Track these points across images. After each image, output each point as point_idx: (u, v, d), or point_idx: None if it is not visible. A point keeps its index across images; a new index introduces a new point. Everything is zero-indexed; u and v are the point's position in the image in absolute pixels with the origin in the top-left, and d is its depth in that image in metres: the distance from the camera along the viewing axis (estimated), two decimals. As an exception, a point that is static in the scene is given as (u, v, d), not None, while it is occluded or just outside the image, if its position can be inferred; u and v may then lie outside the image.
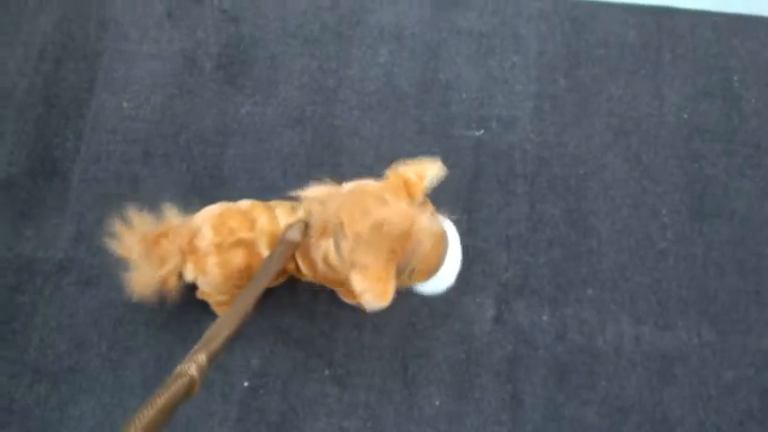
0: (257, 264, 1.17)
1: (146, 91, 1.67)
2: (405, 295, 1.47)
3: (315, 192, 1.15)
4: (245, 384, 1.42)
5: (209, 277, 1.20)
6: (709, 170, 1.60)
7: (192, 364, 0.78)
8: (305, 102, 1.66)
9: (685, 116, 1.65)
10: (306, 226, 1.11)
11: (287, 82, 1.68)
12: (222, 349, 0.84)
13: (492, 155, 1.61)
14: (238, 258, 1.16)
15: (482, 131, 1.63)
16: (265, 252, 1.15)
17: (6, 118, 1.64)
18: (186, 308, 1.44)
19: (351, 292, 1.37)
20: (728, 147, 1.62)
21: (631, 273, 1.52)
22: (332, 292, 1.41)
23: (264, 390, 1.42)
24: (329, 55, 1.71)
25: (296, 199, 1.17)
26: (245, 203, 1.23)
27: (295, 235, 1.09)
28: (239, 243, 1.16)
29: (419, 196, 1.08)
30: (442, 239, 1.09)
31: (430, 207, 1.14)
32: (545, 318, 1.48)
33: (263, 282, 0.99)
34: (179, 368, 0.77)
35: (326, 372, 1.43)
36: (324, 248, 1.07)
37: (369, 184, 1.11)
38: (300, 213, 1.15)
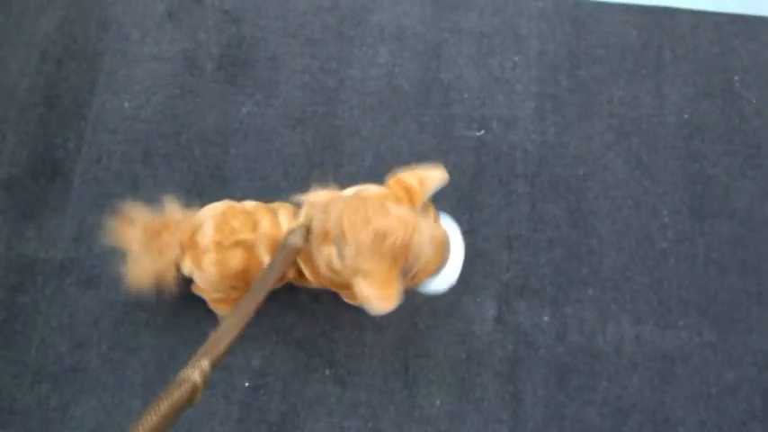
0: (255, 266, 1.17)
1: (147, 91, 1.67)
2: (406, 295, 1.48)
3: (316, 197, 1.15)
4: (246, 384, 1.42)
5: (205, 274, 1.19)
6: (709, 170, 1.60)
7: (196, 370, 0.77)
8: (306, 102, 1.66)
9: (686, 116, 1.65)
10: (307, 231, 1.11)
11: (288, 82, 1.68)
12: (225, 355, 0.84)
13: (493, 155, 1.61)
14: (236, 259, 1.16)
15: (483, 132, 1.64)
16: (264, 255, 1.15)
17: (8, 118, 1.64)
18: (187, 308, 1.44)
19: (351, 295, 1.37)
20: (729, 147, 1.62)
21: (632, 273, 1.52)
22: (333, 292, 1.41)
23: (265, 390, 1.42)
24: (330, 55, 1.71)
25: (298, 203, 1.17)
26: (249, 204, 1.23)
27: (297, 240, 1.09)
28: (239, 244, 1.15)
29: (420, 203, 1.09)
30: (444, 244, 1.09)
31: (432, 211, 1.14)
32: (546, 318, 1.48)
33: (266, 287, 0.98)
34: (182, 374, 0.77)
35: (327, 372, 1.43)
36: (326, 254, 1.07)
37: (369, 190, 1.11)
38: (302, 218, 1.15)
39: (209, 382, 0.79)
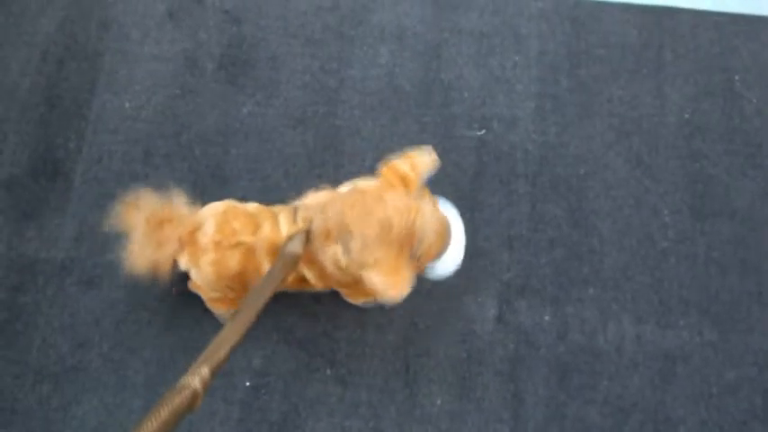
0: (252, 269, 1.16)
1: (147, 91, 1.67)
2: (407, 294, 1.48)
3: (311, 200, 1.15)
4: (247, 384, 1.42)
5: (202, 272, 1.19)
6: (710, 170, 1.60)
7: (196, 377, 0.78)
8: (306, 102, 1.66)
9: (686, 116, 1.65)
10: (307, 236, 1.10)
11: (288, 82, 1.68)
12: (225, 362, 0.84)
13: (493, 155, 1.61)
14: (234, 260, 1.16)
15: (483, 131, 1.64)
16: (264, 259, 1.15)
17: (9, 118, 1.64)
18: (188, 308, 1.44)
19: (357, 293, 1.37)
20: (730, 146, 1.62)
21: (633, 272, 1.52)
22: (334, 292, 1.41)
23: (266, 389, 1.42)
24: (331, 55, 1.71)
25: (295, 208, 1.17)
26: (252, 206, 1.22)
27: (296, 248, 1.08)
28: (239, 245, 1.15)
29: (416, 189, 1.09)
30: (445, 227, 1.10)
31: (428, 194, 1.14)
32: (547, 317, 1.48)
33: (266, 294, 0.98)
34: (182, 381, 0.77)
35: (328, 371, 1.43)
36: (331, 253, 1.07)
37: (365, 183, 1.11)
38: (300, 223, 1.14)
39: (209, 387, 0.79)
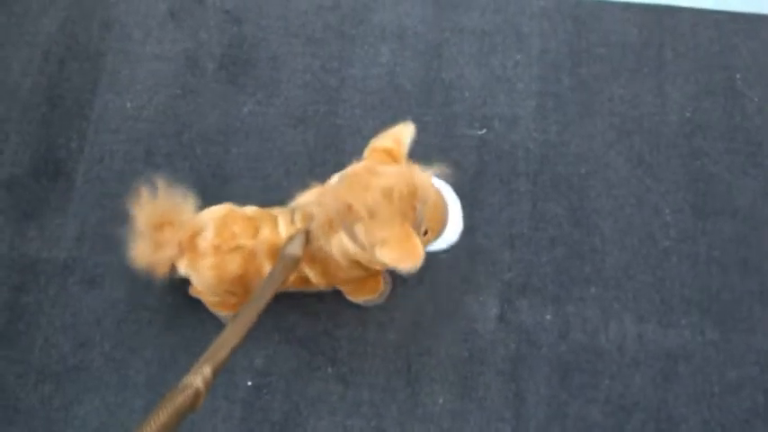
0: (252, 272, 1.16)
1: (149, 91, 1.67)
2: (408, 293, 1.48)
3: (306, 198, 1.15)
4: (249, 383, 1.42)
5: (201, 277, 1.19)
6: (711, 168, 1.60)
7: (198, 377, 0.78)
8: (307, 101, 1.66)
9: (688, 114, 1.65)
10: (306, 236, 1.10)
11: (289, 81, 1.68)
12: (227, 361, 0.85)
13: (494, 154, 1.61)
14: (235, 264, 1.16)
15: (485, 130, 1.64)
16: (264, 262, 1.15)
17: (10, 118, 1.65)
18: (189, 307, 1.45)
19: (360, 289, 1.38)
20: (731, 145, 1.62)
21: (634, 271, 1.52)
22: (336, 291, 1.41)
23: (268, 389, 1.42)
24: (331, 54, 1.71)
25: (291, 210, 1.17)
26: (250, 210, 1.22)
27: (296, 249, 1.08)
28: (238, 249, 1.15)
29: (402, 158, 1.10)
30: (441, 194, 1.10)
31: (416, 165, 1.15)
32: (548, 316, 1.48)
33: (267, 296, 0.99)
34: (184, 380, 0.78)
35: (330, 370, 1.43)
36: (337, 243, 1.07)
37: (355, 166, 1.11)
38: (298, 223, 1.14)
39: (211, 387, 0.79)
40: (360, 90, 1.67)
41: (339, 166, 1.59)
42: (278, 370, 1.43)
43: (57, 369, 1.44)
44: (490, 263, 1.52)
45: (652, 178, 1.59)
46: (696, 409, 1.41)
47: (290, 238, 1.10)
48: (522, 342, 1.46)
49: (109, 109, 1.65)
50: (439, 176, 1.15)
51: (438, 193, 1.09)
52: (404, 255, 1.00)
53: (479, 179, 1.59)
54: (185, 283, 1.31)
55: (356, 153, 1.60)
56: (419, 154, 1.59)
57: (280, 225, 1.16)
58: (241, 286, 1.20)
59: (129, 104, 1.66)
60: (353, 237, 1.03)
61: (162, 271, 1.20)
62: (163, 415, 0.72)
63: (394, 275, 1.45)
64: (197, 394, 0.77)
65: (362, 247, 1.04)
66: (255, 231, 1.16)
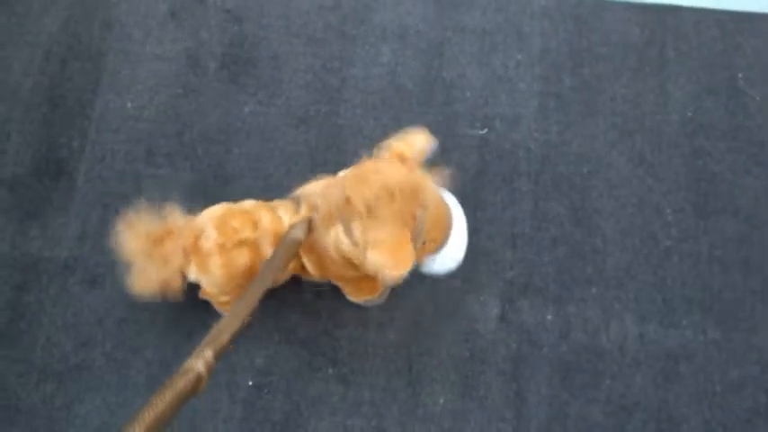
0: (261, 262, 1.17)
1: (150, 91, 1.68)
2: (408, 293, 1.48)
3: (312, 188, 1.14)
4: (250, 383, 1.42)
5: (212, 278, 1.20)
6: (713, 168, 1.60)
7: (199, 360, 0.78)
8: (308, 101, 1.66)
9: (690, 114, 1.65)
10: (310, 224, 1.11)
11: (290, 81, 1.68)
12: (228, 345, 0.84)
13: (496, 153, 1.61)
14: (243, 258, 1.16)
15: (486, 130, 1.63)
16: (269, 252, 1.15)
17: (12, 118, 1.65)
18: (191, 307, 1.45)
19: (357, 288, 1.37)
20: (733, 144, 1.62)
21: (636, 271, 1.51)
22: (336, 291, 1.41)
23: (269, 389, 1.42)
24: (333, 54, 1.71)
25: (296, 199, 1.17)
26: (247, 203, 1.23)
27: (298, 234, 1.09)
28: (243, 243, 1.16)
29: (414, 167, 1.09)
30: (446, 207, 1.09)
31: (429, 177, 1.14)
32: (549, 316, 1.48)
33: (267, 279, 0.99)
34: (186, 364, 0.78)
35: (330, 370, 1.43)
36: (334, 237, 1.07)
37: (365, 163, 1.10)
38: (303, 212, 1.15)
39: (213, 373, 0.79)
40: (361, 90, 1.67)
41: (340, 166, 1.59)
42: (279, 370, 1.43)
43: (58, 368, 1.44)
44: (491, 262, 1.51)
45: (654, 178, 1.59)
46: (697, 409, 1.41)
47: (294, 225, 1.10)
48: (523, 342, 1.46)
49: (110, 109, 1.66)
50: (440, 182, 1.14)
51: (443, 203, 1.08)
52: (393, 261, 0.98)
53: (481, 179, 1.58)
54: (188, 284, 1.31)
55: (357, 153, 1.60)
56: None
57: (281, 213, 1.16)
58: (251, 279, 1.20)
59: (130, 104, 1.66)
60: (349, 232, 1.03)
61: (176, 285, 1.19)
62: (164, 399, 0.71)
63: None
64: (199, 378, 0.77)
65: (356, 245, 1.03)
66: (255, 224, 1.16)
